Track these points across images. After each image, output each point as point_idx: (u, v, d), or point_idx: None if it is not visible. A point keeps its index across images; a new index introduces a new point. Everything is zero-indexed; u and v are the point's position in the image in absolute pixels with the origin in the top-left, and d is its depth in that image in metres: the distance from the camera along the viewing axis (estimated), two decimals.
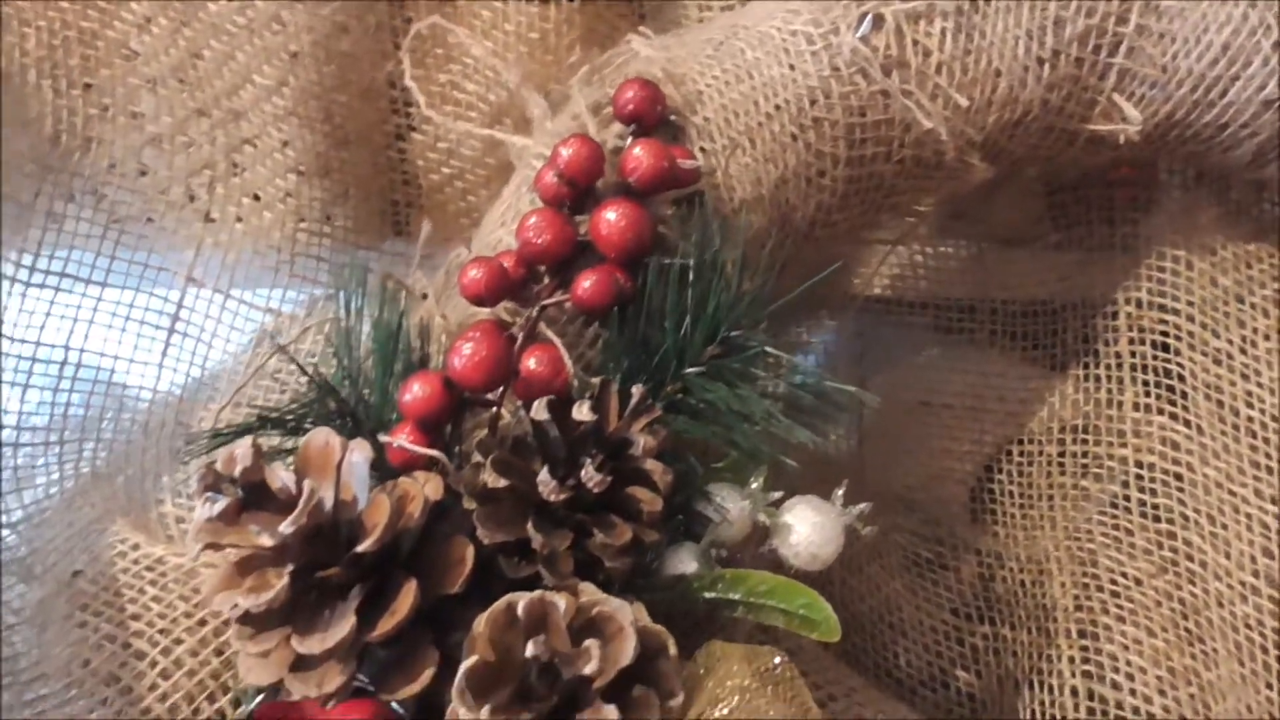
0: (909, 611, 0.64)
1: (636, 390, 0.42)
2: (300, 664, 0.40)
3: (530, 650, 0.35)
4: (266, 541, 0.39)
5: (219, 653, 0.52)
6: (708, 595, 0.43)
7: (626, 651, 0.37)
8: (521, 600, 0.37)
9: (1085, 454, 0.63)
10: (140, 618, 0.53)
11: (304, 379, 0.46)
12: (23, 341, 0.61)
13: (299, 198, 0.64)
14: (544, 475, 0.41)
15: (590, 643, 0.36)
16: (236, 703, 0.50)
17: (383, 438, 0.44)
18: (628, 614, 0.38)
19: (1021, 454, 0.67)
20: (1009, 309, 0.71)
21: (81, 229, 0.63)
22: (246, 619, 0.40)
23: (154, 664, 0.52)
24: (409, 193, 0.66)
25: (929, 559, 0.66)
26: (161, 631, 0.52)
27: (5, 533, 0.57)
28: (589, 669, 0.35)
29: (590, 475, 0.40)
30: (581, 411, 0.41)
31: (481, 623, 0.38)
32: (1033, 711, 0.57)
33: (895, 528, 0.68)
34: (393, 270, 0.59)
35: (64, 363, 0.62)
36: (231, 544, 0.39)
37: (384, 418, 0.46)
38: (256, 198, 0.65)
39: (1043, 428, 0.67)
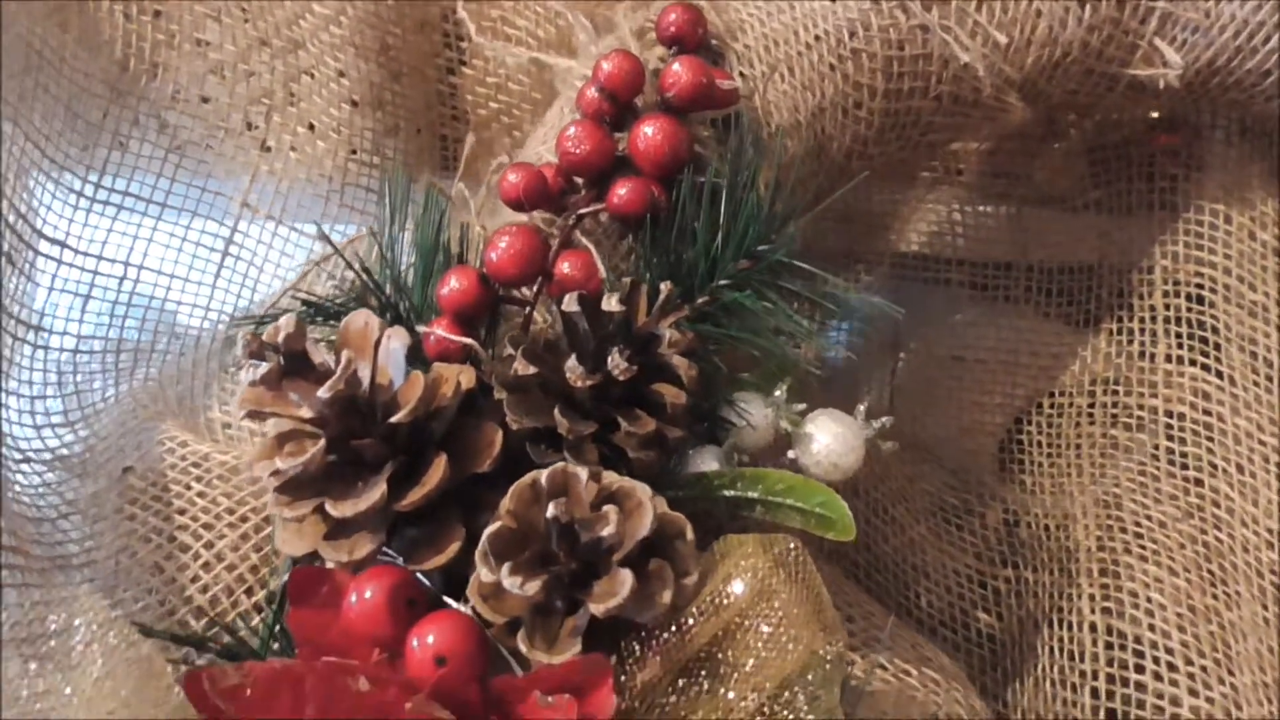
0: (932, 555, 0.65)
1: (665, 286, 0.43)
2: (333, 532, 0.42)
3: (550, 512, 0.37)
4: (305, 413, 0.41)
5: (258, 549, 0.54)
6: (727, 493, 0.45)
7: (644, 523, 0.38)
8: (545, 472, 0.39)
9: (1115, 405, 0.64)
10: (185, 512, 0.55)
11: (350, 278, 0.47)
12: (85, 255, 0.63)
13: (352, 128, 0.66)
14: (572, 362, 0.42)
15: (609, 508, 0.37)
16: (270, 599, 0.52)
17: (420, 328, 0.45)
18: (647, 491, 0.39)
19: (1052, 406, 0.68)
20: (1044, 266, 0.72)
21: (145, 151, 0.66)
22: (284, 487, 0.42)
23: (196, 556, 0.54)
24: (457, 129, 0.68)
25: (954, 505, 0.67)
26: (205, 526, 0.54)
27: (63, 432, 0.60)
28: (606, 531, 0.37)
29: (616, 363, 0.41)
30: (610, 303, 0.42)
31: (507, 497, 0.40)
32: (1051, 649, 0.57)
33: (922, 475, 0.69)
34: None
35: (123, 279, 0.65)
36: (273, 412, 0.41)
37: (423, 317, 0.48)
38: (311, 127, 0.67)
39: (1074, 381, 0.67)
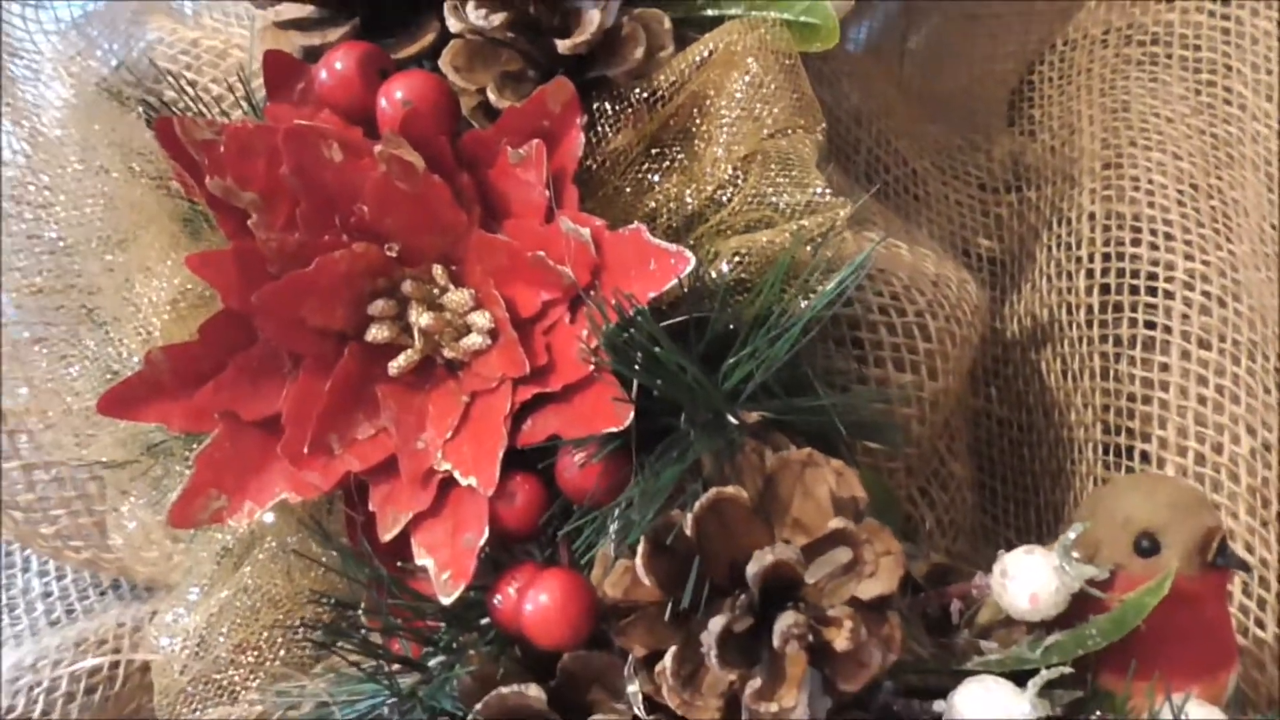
0: (935, 187, 0.64)
1: None
2: (306, 24, 0.41)
3: None
4: None
5: None
6: (710, 12, 0.43)
7: None
8: None
9: (1129, 25, 0.61)
10: (175, 104, 0.55)
11: None
12: None
13: None
14: None
15: None
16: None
17: None
18: None
19: (1066, 43, 0.65)
20: None
21: None
22: None
23: None
24: None
25: (960, 145, 0.66)
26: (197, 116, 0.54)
27: (56, 40, 0.59)
28: None
29: None
30: None
31: None
32: (1049, 248, 0.56)
33: (930, 119, 0.67)
34: None
35: None
36: None
37: None
38: None
39: (1089, 16, 0.65)
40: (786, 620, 0.29)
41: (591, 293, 0.36)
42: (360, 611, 0.36)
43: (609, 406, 0.35)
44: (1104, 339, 0.51)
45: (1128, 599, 0.32)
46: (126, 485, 0.39)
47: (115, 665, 0.42)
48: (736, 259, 0.36)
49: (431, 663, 0.38)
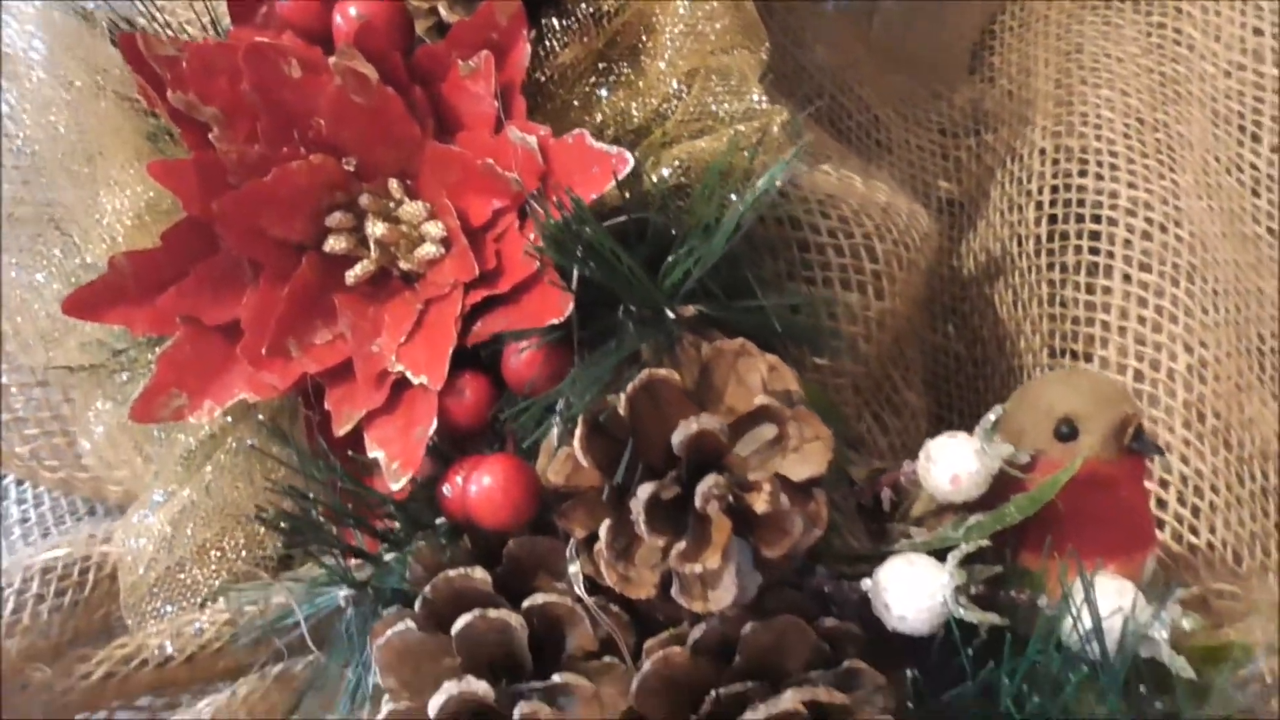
0: (897, 133, 0.65)
1: None
2: None
3: None
4: None
5: None
6: None
7: None
8: None
9: None
10: (155, 19, 0.56)
11: None
12: None
13: None
14: None
15: None
16: None
17: None
18: None
19: None
20: None
21: None
22: None
23: None
24: None
25: (923, 94, 0.67)
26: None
27: None
28: None
29: None
30: None
31: None
32: (1002, 185, 0.58)
33: (892, 70, 0.69)
34: None
35: None
36: None
37: None
38: None
39: None
40: (708, 482, 0.30)
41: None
42: (317, 501, 0.38)
43: (553, 299, 0.36)
44: (1051, 267, 0.52)
45: (1043, 479, 0.34)
46: (93, 393, 0.41)
47: (85, 571, 0.44)
48: (676, 164, 0.38)
49: (386, 558, 0.39)
